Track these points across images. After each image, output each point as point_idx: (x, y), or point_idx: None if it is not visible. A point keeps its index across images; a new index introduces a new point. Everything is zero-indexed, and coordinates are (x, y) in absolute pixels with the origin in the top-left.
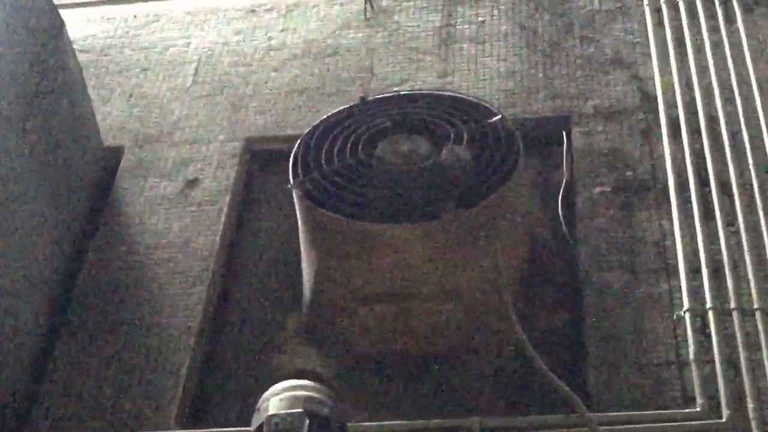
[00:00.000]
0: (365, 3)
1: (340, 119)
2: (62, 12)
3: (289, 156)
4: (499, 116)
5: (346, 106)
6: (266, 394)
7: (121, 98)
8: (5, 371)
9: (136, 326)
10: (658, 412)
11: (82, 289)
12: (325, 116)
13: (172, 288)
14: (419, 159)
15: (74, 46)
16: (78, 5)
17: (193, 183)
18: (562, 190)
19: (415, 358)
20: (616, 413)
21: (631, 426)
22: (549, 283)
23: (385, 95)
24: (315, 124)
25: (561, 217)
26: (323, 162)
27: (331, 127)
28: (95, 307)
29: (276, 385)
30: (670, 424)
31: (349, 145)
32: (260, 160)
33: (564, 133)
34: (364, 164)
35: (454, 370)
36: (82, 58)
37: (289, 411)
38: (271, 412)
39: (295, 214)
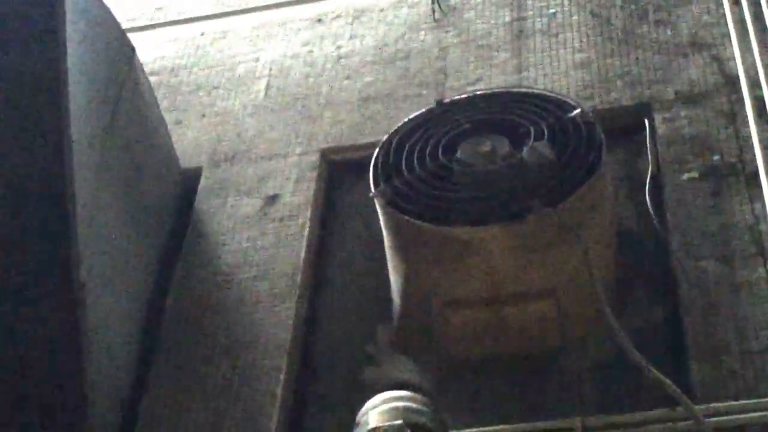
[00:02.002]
0: (433, 3)
1: (418, 124)
2: (130, 35)
3: (367, 165)
4: (579, 110)
5: (422, 111)
6: (365, 407)
7: (194, 118)
8: (102, 403)
9: (229, 348)
10: (764, 400)
11: (171, 313)
12: (402, 122)
13: (261, 306)
14: (501, 159)
15: (144, 69)
16: (146, 28)
17: (273, 199)
18: (648, 180)
19: (511, 360)
20: (721, 404)
21: (737, 416)
22: (642, 276)
23: (462, 97)
24: (392, 130)
25: (649, 207)
26: (404, 168)
27: (410, 133)
28: (186, 331)
29: (374, 397)
30: None
31: (428, 149)
32: (339, 170)
33: (646, 120)
34: (445, 168)
35: (552, 370)
36: (152, 80)
37: (389, 423)
38: (372, 425)
39: (379, 223)
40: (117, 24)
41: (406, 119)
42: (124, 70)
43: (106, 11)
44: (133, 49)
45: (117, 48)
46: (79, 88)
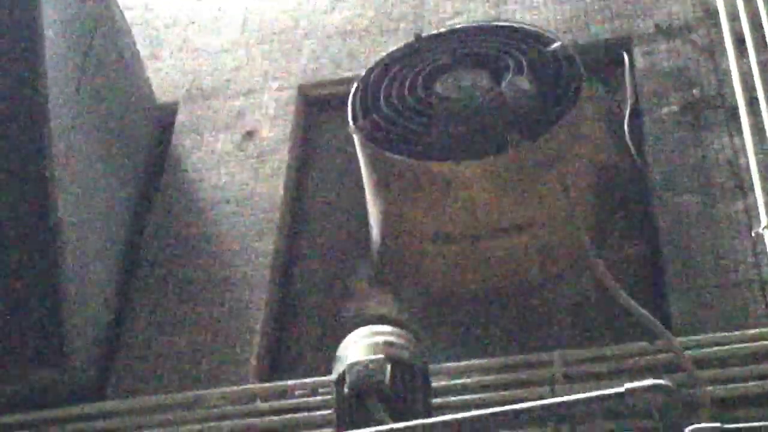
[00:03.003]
0: None
1: (396, 59)
2: None
3: (346, 100)
4: (558, 43)
5: (401, 45)
6: (345, 341)
7: (170, 53)
8: (82, 336)
9: (207, 282)
10: (743, 332)
11: (149, 248)
12: (380, 57)
13: (240, 242)
14: (480, 93)
15: (119, 3)
16: None
17: (251, 134)
18: (627, 114)
19: (491, 295)
20: (700, 336)
21: (717, 348)
22: (622, 210)
23: (441, 31)
24: (371, 65)
25: (629, 141)
26: (382, 103)
27: (389, 67)
28: (164, 266)
29: (355, 332)
30: (756, 343)
31: (407, 84)
32: (317, 106)
33: (625, 54)
34: (424, 102)
35: (532, 305)
36: (127, 14)
37: (370, 357)
38: (352, 359)
39: (357, 159)
40: None
41: (384, 54)
42: (98, 5)
43: None
44: None
45: None
46: (54, 26)
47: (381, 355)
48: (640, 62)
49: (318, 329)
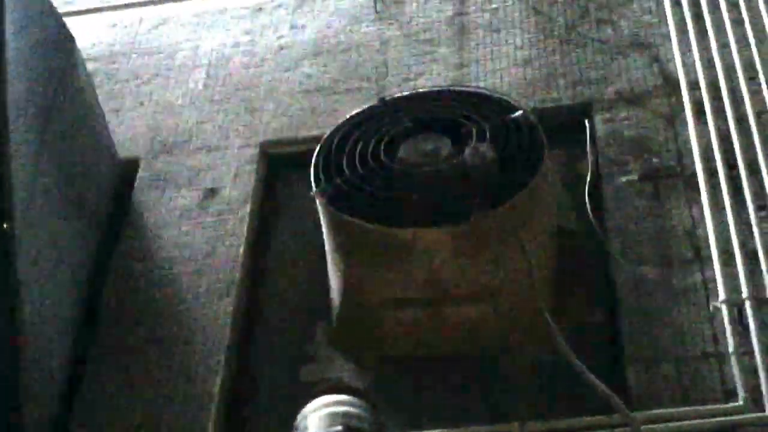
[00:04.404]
0: None
1: (360, 121)
2: (68, 20)
3: (308, 159)
4: (521, 111)
5: (364, 108)
6: (304, 411)
7: (132, 107)
8: (36, 397)
9: (165, 343)
10: (700, 407)
11: (107, 307)
12: (344, 119)
13: (199, 302)
14: (443, 159)
15: (83, 55)
16: (84, 12)
17: (212, 192)
18: (588, 182)
19: (450, 362)
20: (657, 411)
21: (673, 423)
22: (581, 278)
23: (404, 94)
24: (334, 127)
25: (589, 209)
26: (345, 167)
27: (352, 130)
28: (122, 325)
29: (313, 401)
30: (712, 419)
31: (370, 148)
32: (279, 164)
33: (586, 120)
34: (387, 167)
35: (491, 372)
36: (90, 66)
37: (328, 429)
38: (311, 430)
39: (319, 220)
40: (57, 14)
41: (347, 116)
42: (63, 61)
43: (44, 1)
44: (72, 39)
45: (56, 38)
46: (18, 79)
47: (339, 426)
48: (600, 129)
49: (276, 393)
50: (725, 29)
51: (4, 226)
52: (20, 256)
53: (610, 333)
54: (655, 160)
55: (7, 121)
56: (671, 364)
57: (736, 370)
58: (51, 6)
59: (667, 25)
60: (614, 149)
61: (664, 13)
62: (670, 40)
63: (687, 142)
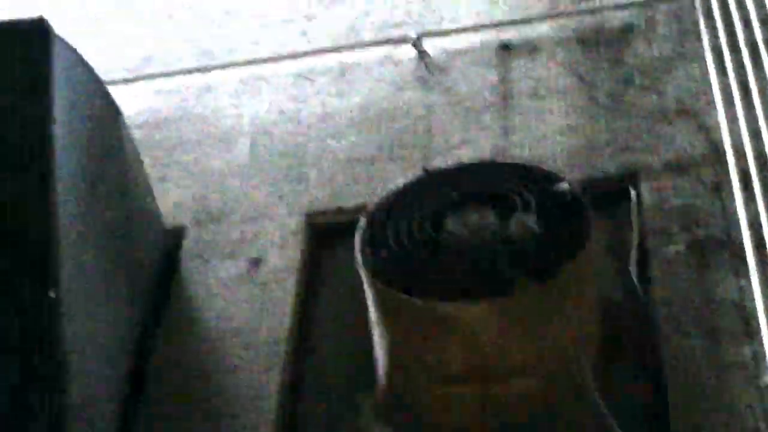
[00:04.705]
0: (420, 61)
1: (405, 193)
2: (114, 88)
3: (352, 228)
4: (566, 182)
5: (409, 179)
6: None
7: (178, 175)
8: None
9: (212, 417)
10: None
11: (152, 382)
12: (388, 189)
13: (245, 375)
14: (488, 232)
15: (129, 123)
16: (130, 80)
17: (257, 262)
18: (634, 251)
19: None
20: None
21: None
22: (627, 351)
23: (449, 165)
24: (379, 198)
25: (635, 280)
26: (390, 239)
27: (397, 202)
28: (168, 400)
29: None
30: None
31: (415, 220)
32: (324, 234)
33: (632, 189)
34: (432, 240)
35: None
36: (136, 134)
37: None
38: None
39: (364, 291)
40: (104, 89)
41: (393, 187)
42: (109, 134)
43: (93, 76)
44: (119, 112)
45: (103, 112)
46: (66, 153)
47: None
48: (647, 198)
49: None
50: None
51: (52, 295)
52: (67, 326)
53: (657, 407)
54: (702, 230)
55: (55, 194)
56: None
57: None
58: (98, 80)
59: (712, 92)
60: (660, 219)
61: (710, 80)
62: (716, 107)
63: (734, 212)
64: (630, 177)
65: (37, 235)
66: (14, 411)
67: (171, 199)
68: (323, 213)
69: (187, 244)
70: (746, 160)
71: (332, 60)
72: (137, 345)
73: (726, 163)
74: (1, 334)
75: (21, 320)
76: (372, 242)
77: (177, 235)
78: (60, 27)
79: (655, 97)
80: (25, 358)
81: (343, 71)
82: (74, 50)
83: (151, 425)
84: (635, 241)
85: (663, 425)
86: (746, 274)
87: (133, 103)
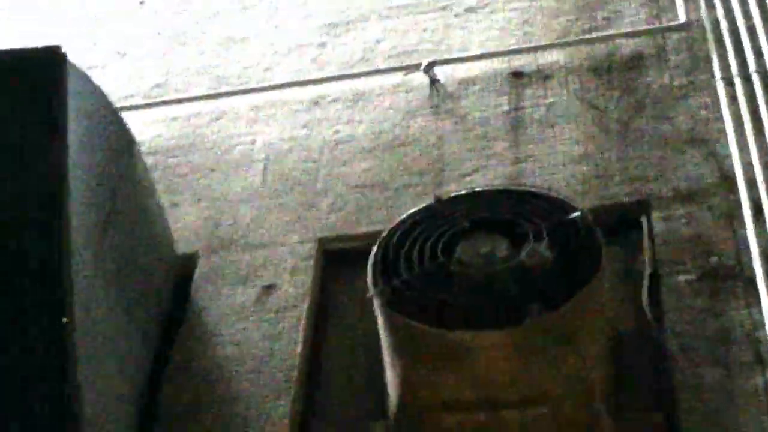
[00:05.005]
0: (431, 89)
1: (416, 221)
2: (128, 114)
3: (364, 254)
4: (579, 212)
5: (421, 207)
6: None
7: (190, 202)
8: None
9: None
10: None
11: (165, 409)
12: (400, 217)
13: (257, 401)
14: (500, 261)
15: (142, 149)
16: (142, 106)
17: (269, 289)
18: (645, 280)
19: None
20: None
21: None
22: (639, 380)
23: (461, 193)
24: (391, 226)
25: (646, 310)
26: (402, 268)
27: (409, 230)
28: (181, 423)
29: None
30: None
31: (427, 248)
32: (336, 260)
33: (643, 218)
34: (444, 269)
35: None
36: (149, 161)
37: None
38: None
39: (376, 319)
40: (118, 117)
41: (404, 215)
42: (123, 161)
43: (107, 104)
44: (133, 140)
45: (117, 140)
46: (79, 181)
47: None
48: (658, 226)
49: None
50: None
51: (64, 320)
52: (79, 352)
53: None
54: (713, 259)
55: (68, 221)
56: None
57: None
58: (113, 109)
59: (724, 120)
60: (672, 248)
61: (721, 108)
62: (727, 136)
63: (746, 241)
64: (641, 205)
65: (50, 264)
66: None
67: (184, 225)
68: (335, 239)
69: (199, 270)
70: (758, 189)
71: (344, 87)
72: (150, 370)
73: (737, 192)
74: (12, 363)
75: (33, 349)
76: (384, 270)
77: (189, 261)
78: (74, 54)
79: (666, 125)
80: (39, 390)
81: (355, 98)
82: (88, 78)
83: None
84: (647, 270)
85: None
86: (758, 304)
87: (146, 130)
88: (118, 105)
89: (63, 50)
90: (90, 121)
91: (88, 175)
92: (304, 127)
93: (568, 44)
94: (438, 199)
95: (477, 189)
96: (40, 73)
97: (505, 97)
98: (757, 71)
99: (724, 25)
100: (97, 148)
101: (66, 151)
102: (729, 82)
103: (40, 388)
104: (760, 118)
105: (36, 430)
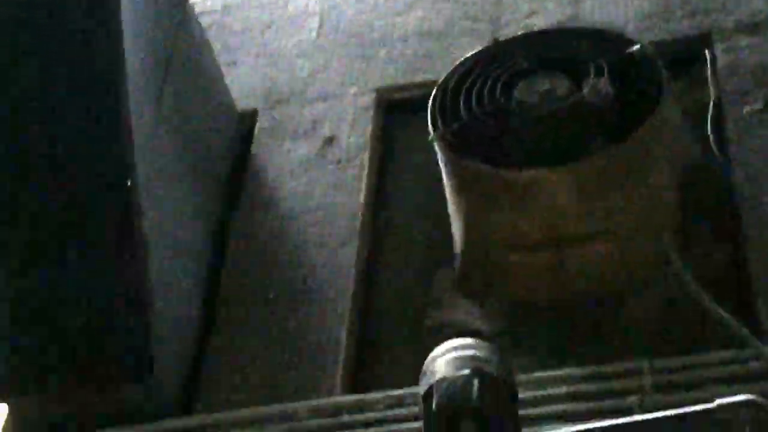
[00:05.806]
0: None
1: (474, 64)
2: None
3: (425, 103)
4: (639, 45)
5: (479, 49)
6: (431, 355)
7: (247, 58)
8: (168, 352)
9: (290, 293)
10: None
11: (232, 260)
12: (458, 61)
13: (322, 251)
14: (560, 98)
15: (195, 9)
16: None
17: (330, 141)
18: (710, 114)
19: (574, 303)
20: None
21: None
22: (706, 213)
23: (518, 35)
24: (448, 69)
25: (712, 141)
26: (462, 110)
27: (467, 73)
28: (248, 277)
29: (440, 345)
30: None
31: (486, 90)
32: (395, 110)
33: (707, 51)
34: (504, 109)
35: (616, 313)
36: (204, 20)
37: (457, 373)
38: (440, 375)
39: (438, 165)
40: None
41: (462, 58)
42: (176, 18)
43: None
44: None
45: None
46: (133, 37)
47: (467, 370)
48: (721, 59)
49: (402, 339)
50: None
51: (128, 182)
52: (145, 216)
53: (737, 268)
54: None
55: (125, 77)
56: None
57: None
58: None
59: None
60: (736, 79)
61: None
62: None
63: None
64: (703, 38)
65: (109, 119)
66: (99, 305)
67: (241, 82)
68: (393, 89)
69: (260, 126)
70: None
71: None
72: (215, 227)
73: None
74: (79, 231)
75: (101, 215)
76: (444, 114)
77: (249, 118)
78: None
79: None
80: (108, 250)
81: None
82: None
83: (231, 306)
84: (711, 103)
85: (743, 288)
86: None
87: None
88: None
89: None
90: None
91: (141, 29)
92: None
93: None
94: (495, 41)
95: (534, 28)
96: None
97: None
98: None
99: None
100: (149, 8)
101: (118, 13)
102: None
103: (113, 261)
104: None
105: (111, 301)
